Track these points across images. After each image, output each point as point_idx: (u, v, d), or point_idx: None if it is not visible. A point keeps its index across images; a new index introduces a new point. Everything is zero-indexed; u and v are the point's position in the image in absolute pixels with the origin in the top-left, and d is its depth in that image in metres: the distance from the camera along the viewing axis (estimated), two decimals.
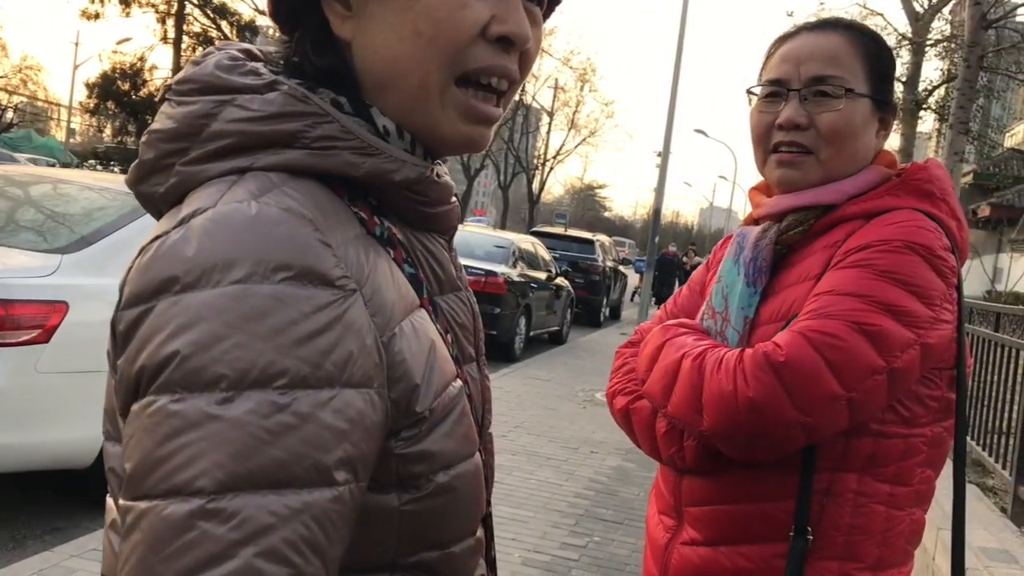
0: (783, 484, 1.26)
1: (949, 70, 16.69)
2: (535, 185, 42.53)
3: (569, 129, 43.96)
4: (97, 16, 25.60)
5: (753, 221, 1.47)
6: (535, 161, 44.11)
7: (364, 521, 0.69)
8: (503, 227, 34.38)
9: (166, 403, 0.61)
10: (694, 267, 23.61)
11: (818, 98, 1.35)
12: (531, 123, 43.39)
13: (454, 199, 0.85)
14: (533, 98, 42.11)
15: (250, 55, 0.82)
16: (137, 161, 0.77)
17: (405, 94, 0.77)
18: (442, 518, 0.74)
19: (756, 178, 1.52)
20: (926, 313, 1.21)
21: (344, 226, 0.71)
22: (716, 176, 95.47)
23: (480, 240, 11.92)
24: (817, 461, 1.24)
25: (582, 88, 43.57)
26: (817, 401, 1.17)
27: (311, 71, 0.78)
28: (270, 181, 0.70)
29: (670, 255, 21.55)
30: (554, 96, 43.34)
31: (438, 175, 0.81)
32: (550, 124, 44.37)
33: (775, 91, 1.39)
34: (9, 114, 34.31)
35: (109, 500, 0.78)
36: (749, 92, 1.44)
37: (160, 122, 0.76)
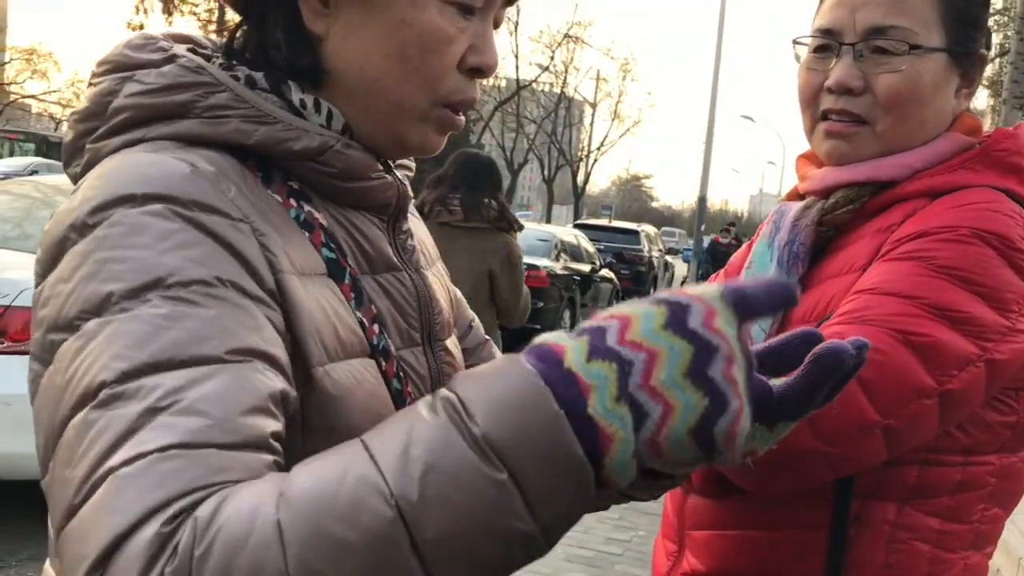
0: (806, 511, 1.02)
1: (1002, 44, 16.22)
2: (579, 178, 42.40)
3: (612, 120, 43.75)
4: (142, 27, 26.20)
5: (798, 196, 1.21)
6: (579, 154, 43.95)
7: None
8: (548, 221, 34.33)
9: (67, 338, 0.60)
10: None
11: (876, 55, 1.07)
12: (574, 115, 43.23)
13: (380, 175, 0.82)
14: (575, 90, 42.02)
15: (189, 41, 0.82)
16: (62, 143, 0.79)
17: (379, 107, 0.78)
18: None
19: None
20: (996, 321, 0.95)
21: (238, 181, 0.71)
22: (765, 162, 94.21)
23: (522, 234, 11.86)
24: (852, 488, 1.01)
25: (624, 78, 43.32)
26: (843, 429, 0.92)
27: (278, 62, 0.77)
28: (161, 146, 0.70)
29: (723, 246, 16.03)
30: (596, 87, 43.14)
31: (349, 146, 0.78)
32: (593, 116, 44.20)
33: (825, 43, 1.11)
34: (64, 127, 35.22)
35: None
36: (796, 43, 1.17)
37: (78, 104, 0.77)
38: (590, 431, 0.52)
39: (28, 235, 4.20)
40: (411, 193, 0.90)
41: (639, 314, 0.56)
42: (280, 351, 0.64)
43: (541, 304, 10.22)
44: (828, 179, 1.13)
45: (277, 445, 0.59)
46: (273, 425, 0.59)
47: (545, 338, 0.57)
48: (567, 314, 11.12)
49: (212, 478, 0.53)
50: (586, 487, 0.53)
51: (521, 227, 3.96)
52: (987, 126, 1.15)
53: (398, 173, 0.87)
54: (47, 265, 0.66)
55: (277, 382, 0.62)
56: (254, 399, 0.58)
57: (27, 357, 2.67)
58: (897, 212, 1.06)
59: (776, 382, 0.63)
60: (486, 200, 3.57)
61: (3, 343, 3.49)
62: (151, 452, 0.52)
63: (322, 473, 0.53)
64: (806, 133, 1.17)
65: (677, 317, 0.55)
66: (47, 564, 0.74)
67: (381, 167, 0.82)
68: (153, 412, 0.54)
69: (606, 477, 0.54)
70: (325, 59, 0.78)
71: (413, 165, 0.97)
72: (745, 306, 0.57)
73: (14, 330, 3.50)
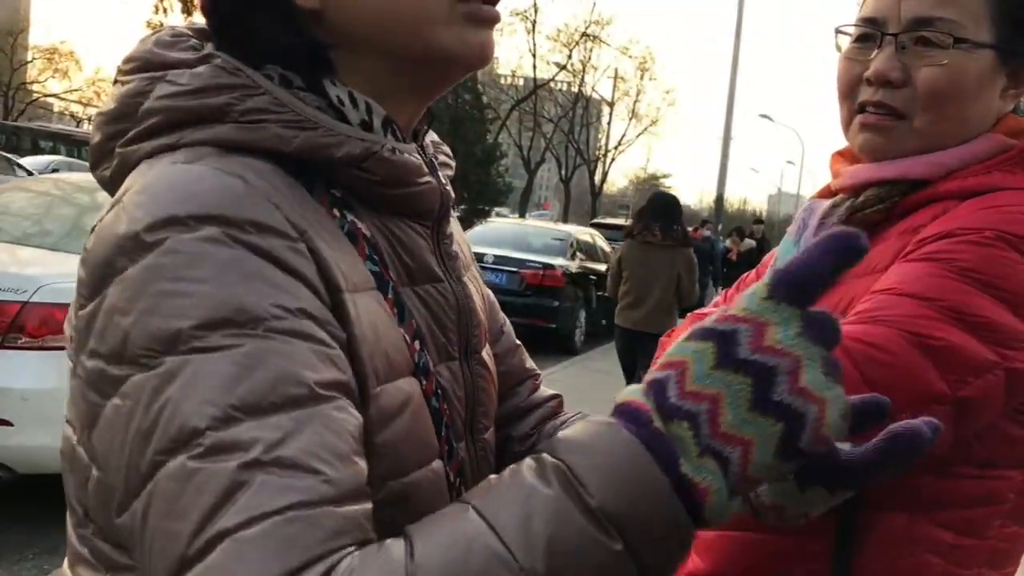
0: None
1: None
2: (597, 177, 42.32)
3: (630, 119, 43.63)
4: (161, 26, 26.31)
5: (830, 194, 1.17)
6: (596, 153, 43.88)
7: None
8: (565, 220, 34.30)
9: (138, 377, 0.59)
10: (743, 256, 16.32)
11: (920, 47, 1.03)
12: (591, 115, 43.17)
13: (426, 179, 0.78)
14: (593, 89, 41.88)
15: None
16: (90, 145, 0.75)
17: (402, 33, 0.73)
18: (389, 534, 0.62)
19: (825, 161, 1.23)
20: (1018, 328, 0.91)
21: (287, 193, 0.68)
22: (784, 161, 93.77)
23: (538, 233, 11.91)
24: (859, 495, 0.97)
25: (642, 77, 43.20)
26: None
27: (276, 52, 0.73)
28: (201, 151, 0.67)
29: (700, 239, 14.81)
30: (614, 86, 43.02)
31: (395, 151, 0.74)
32: (611, 115, 44.09)
33: (868, 33, 1.07)
34: (85, 125, 35.59)
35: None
36: (839, 32, 1.13)
37: (105, 103, 0.74)
38: (687, 488, 0.54)
39: (47, 232, 4.24)
40: (453, 194, 0.85)
41: (692, 356, 0.57)
42: (351, 377, 0.64)
43: (557, 303, 10.22)
44: (859, 176, 1.10)
45: (369, 488, 0.59)
46: (365, 467, 0.60)
47: (627, 396, 0.58)
48: (582, 313, 11.12)
49: (332, 543, 0.53)
50: (688, 543, 0.55)
51: (693, 243, 6.30)
52: None
53: (440, 174, 0.84)
54: (93, 287, 0.63)
55: (357, 415, 0.61)
56: (349, 444, 0.58)
57: (45, 353, 2.68)
58: (926, 213, 1.02)
59: (843, 446, 0.62)
60: (674, 227, 6.02)
61: (21, 339, 3.53)
62: (271, 514, 0.52)
63: (446, 545, 0.53)
64: (843, 126, 1.13)
65: (727, 351, 0.56)
66: (64, 566, 0.73)
67: (427, 170, 0.78)
68: (258, 466, 0.54)
69: (706, 523, 0.56)
70: (330, 30, 0.73)
71: (453, 164, 0.92)
72: (800, 292, 0.56)
73: (32, 326, 3.53)
